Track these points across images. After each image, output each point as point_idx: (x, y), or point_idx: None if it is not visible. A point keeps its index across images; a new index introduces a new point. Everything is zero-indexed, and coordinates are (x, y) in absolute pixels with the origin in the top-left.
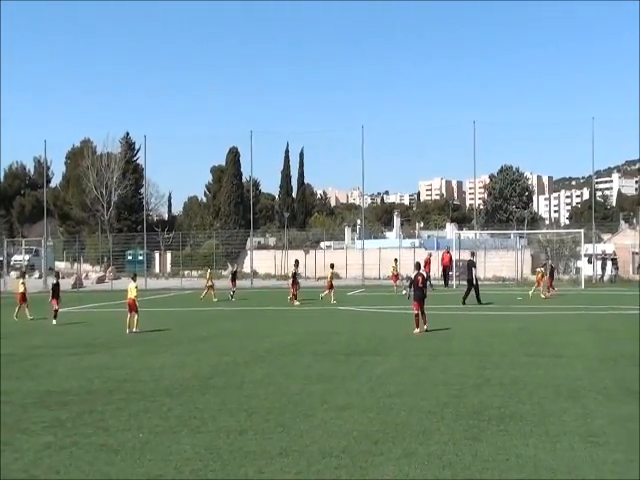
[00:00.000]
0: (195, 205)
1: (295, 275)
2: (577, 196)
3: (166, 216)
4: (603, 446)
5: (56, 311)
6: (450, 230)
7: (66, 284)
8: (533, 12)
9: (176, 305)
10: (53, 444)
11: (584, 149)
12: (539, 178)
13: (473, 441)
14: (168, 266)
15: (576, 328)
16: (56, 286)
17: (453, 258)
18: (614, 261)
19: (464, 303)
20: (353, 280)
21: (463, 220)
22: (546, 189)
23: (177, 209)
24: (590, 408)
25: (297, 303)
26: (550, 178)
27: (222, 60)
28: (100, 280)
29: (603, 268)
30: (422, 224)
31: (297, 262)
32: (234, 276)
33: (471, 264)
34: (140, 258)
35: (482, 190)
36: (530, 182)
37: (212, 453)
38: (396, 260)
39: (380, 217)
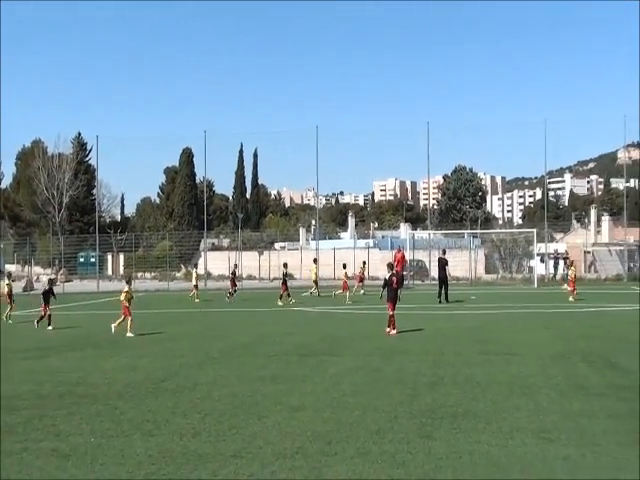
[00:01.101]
0: (148, 206)
1: (285, 276)
2: (530, 196)
3: (119, 217)
4: (555, 442)
5: (49, 316)
6: (404, 230)
7: (17, 287)
8: (459, 11)
9: (133, 307)
10: (2, 450)
11: (537, 150)
12: (492, 178)
13: (427, 439)
14: (121, 268)
15: (529, 326)
16: (47, 292)
17: (407, 257)
18: (566, 260)
19: (441, 301)
20: (307, 281)
21: (417, 220)
22: (499, 189)
23: (130, 210)
24: (542, 404)
25: (280, 303)
26: (503, 178)
27: (176, 58)
28: (51, 283)
29: (555, 267)
30: (376, 224)
31: (286, 264)
32: (234, 277)
33: (444, 262)
34: (92, 260)
35: (436, 190)
36: (483, 182)
37: (165, 456)
38: (364, 263)
39: (335, 218)
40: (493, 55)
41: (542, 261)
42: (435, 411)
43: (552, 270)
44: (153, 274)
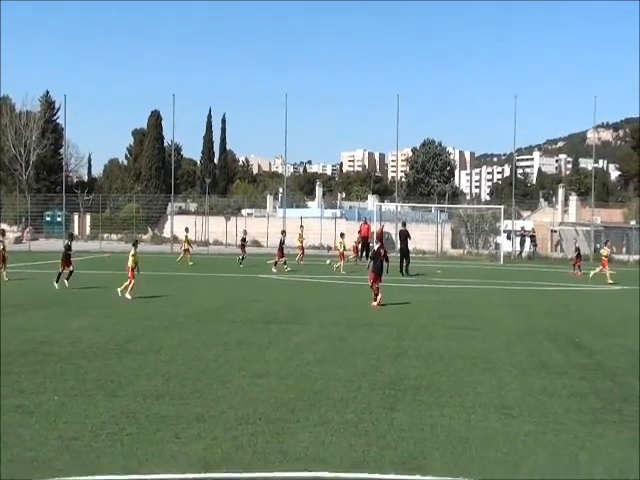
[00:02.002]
0: (116, 168)
1: (282, 243)
2: (498, 172)
3: (86, 178)
4: (517, 418)
5: (70, 272)
6: (371, 202)
7: None
8: None
9: (100, 268)
10: None
11: (506, 127)
12: (461, 153)
13: (389, 410)
14: (87, 228)
15: (494, 302)
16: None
17: (372, 229)
18: (533, 238)
19: (403, 274)
20: (274, 248)
21: (385, 192)
22: (468, 164)
23: (97, 171)
24: (505, 381)
25: (274, 270)
26: (472, 154)
27: (148, 19)
28: (17, 241)
29: (522, 244)
30: (344, 195)
31: (284, 232)
32: (243, 242)
33: (406, 234)
34: (59, 219)
35: (404, 163)
36: (452, 157)
37: (128, 417)
38: (343, 235)
39: (302, 186)
40: (465, 27)
41: (509, 238)
42: (398, 383)
43: (518, 247)
44: (119, 236)
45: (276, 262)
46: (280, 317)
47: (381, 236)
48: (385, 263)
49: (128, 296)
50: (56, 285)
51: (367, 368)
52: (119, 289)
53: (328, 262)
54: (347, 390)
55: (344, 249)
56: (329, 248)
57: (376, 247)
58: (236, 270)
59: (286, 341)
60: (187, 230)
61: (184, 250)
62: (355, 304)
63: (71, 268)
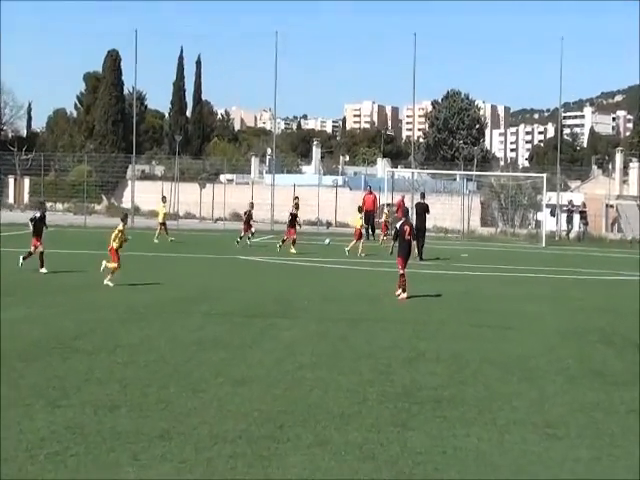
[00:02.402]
0: (62, 120)
1: (295, 217)
2: (540, 132)
3: (24, 132)
4: (562, 440)
5: (41, 254)
6: (382, 167)
7: None
8: None
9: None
10: None
11: (550, 76)
12: (493, 108)
13: (402, 428)
14: (25, 195)
15: (532, 294)
16: (39, 221)
17: (378, 201)
18: (583, 214)
19: (422, 258)
20: (260, 223)
21: (398, 155)
22: (502, 122)
23: (39, 124)
24: (548, 392)
25: (293, 251)
26: (507, 109)
27: None
28: None
29: (569, 222)
30: (347, 158)
31: (297, 200)
32: (249, 218)
33: (424, 207)
34: None
35: (423, 120)
36: (482, 113)
37: (74, 433)
38: (389, 205)
39: (296, 147)
40: None
41: (552, 214)
42: (413, 394)
43: (565, 226)
44: (66, 205)
45: (292, 240)
46: (267, 309)
47: (404, 209)
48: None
49: (110, 283)
50: (43, 270)
51: (375, 375)
52: (107, 279)
53: (327, 242)
54: (350, 402)
55: (387, 221)
56: (328, 224)
57: (399, 225)
58: (213, 250)
59: (274, 340)
60: (164, 200)
61: (160, 224)
62: (361, 295)
63: (41, 248)
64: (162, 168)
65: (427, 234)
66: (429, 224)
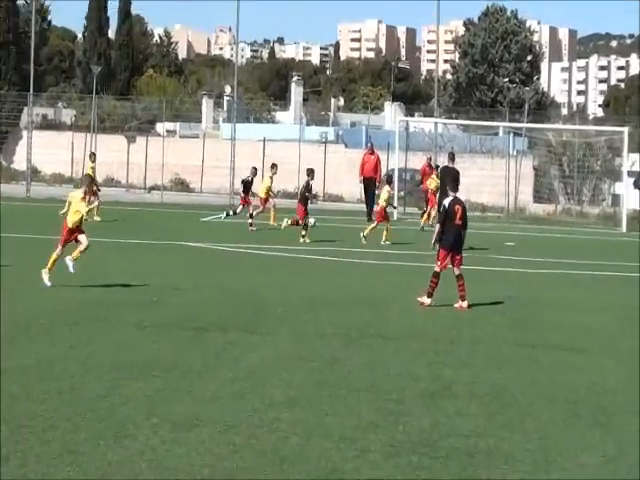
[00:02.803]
0: None
1: (309, 190)
2: (619, 68)
3: None
4: None
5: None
6: (391, 115)
7: None
8: None
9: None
10: None
11: None
12: (553, 32)
13: None
14: None
15: (604, 302)
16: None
17: (381, 164)
18: None
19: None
20: (215, 195)
21: (415, 98)
22: (565, 52)
23: None
24: (627, 443)
25: (305, 239)
26: (573, 34)
27: None
28: None
29: None
30: (342, 101)
31: (311, 171)
32: (248, 187)
33: (453, 174)
34: None
35: (451, 47)
36: (537, 38)
37: None
38: (437, 168)
39: (267, 84)
40: None
41: (637, 186)
42: (435, 444)
43: None
44: None
45: (303, 223)
46: (226, 319)
47: (452, 177)
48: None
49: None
50: None
51: (379, 416)
52: (68, 259)
53: (312, 222)
54: (343, 457)
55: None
56: (314, 197)
57: (447, 202)
58: (151, 233)
59: (234, 364)
60: (93, 158)
61: (92, 193)
62: (360, 299)
63: None
64: (72, 113)
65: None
66: (460, 197)
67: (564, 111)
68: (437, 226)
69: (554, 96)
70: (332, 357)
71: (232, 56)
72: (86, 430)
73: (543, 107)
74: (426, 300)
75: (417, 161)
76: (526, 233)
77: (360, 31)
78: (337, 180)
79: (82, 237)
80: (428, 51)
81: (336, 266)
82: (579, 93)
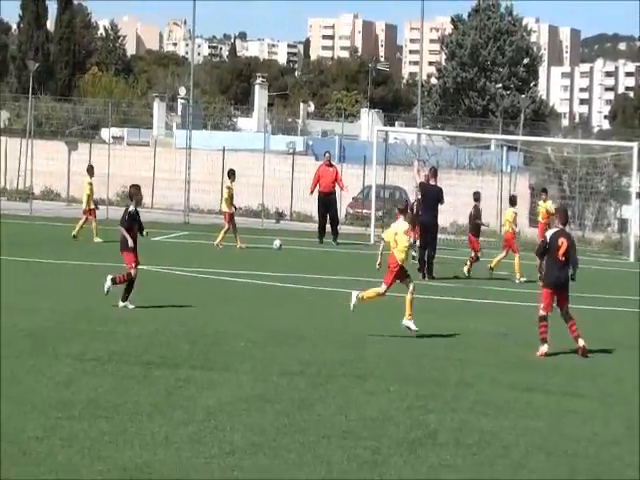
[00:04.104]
0: None
1: (479, 216)
2: (628, 74)
3: None
4: None
5: None
6: (368, 123)
7: None
8: None
9: None
10: None
11: None
12: (553, 32)
13: None
14: None
15: (608, 342)
16: None
17: (340, 177)
18: None
19: (426, 274)
20: (168, 211)
21: (395, 105)
22: (566, 56)
23: None
24: None
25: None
26: (575, 34)
27: None
28: None
29: None
30: (312, 107)
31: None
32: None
33: (434, 194)
34: None
35: (437, 47)
36: (534, 39)
37: None
38: (514, 207)
39: (228, 86)
40: None
41: None
42: None
43: None
44: None
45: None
46: (179, 354)
47: (562, 210)
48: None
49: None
50: None
51: (352, 466)
52: None
53: (277, 244)
54: None
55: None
56: (279, 215)
57: (550, 234)
58: (95, 256)
59: (189, 404)
60: (92, 172)
61: (88, 211)
62: (333, 333)
63: None
64: (6, 115)
65: (441, 237)
66: (446, 219)
67: (565, 122)
68: (537, 261)
69: (554, 105)
70: (300, 398)
71: (187, 53)
72: (21, 475)
73: (541, 117)
74: (543, 348)
75: (396, 177)
76: (524, 262)
77: (333, 27)
78: (306, 197)
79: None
80: (411, 51)
81: (305, 295)
82: (582, 102)
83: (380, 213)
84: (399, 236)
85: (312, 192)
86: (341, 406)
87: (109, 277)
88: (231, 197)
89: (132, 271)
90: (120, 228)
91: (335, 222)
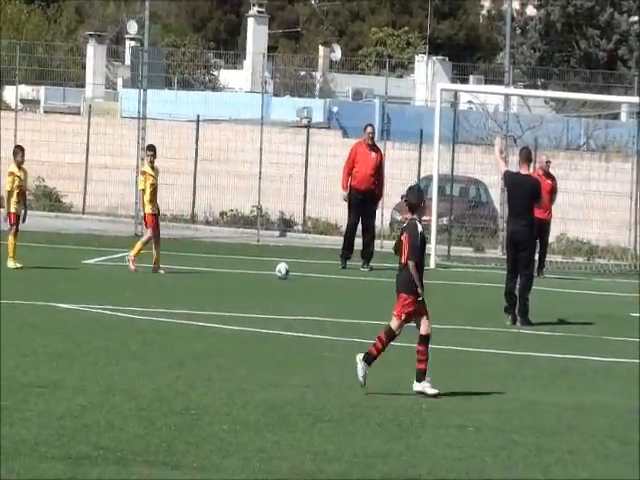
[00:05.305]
0: None
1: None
2: None
3: None
4: None
5: None
6: (426, 78)
7: None
8: None
9: None
10: None
11: None
12: None
13: None
14: None
15: None
16: None
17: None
18: None
19: (526, 320)
20: (109, 218)
21: (470, 50)
22: None
23: None
24: None
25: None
26: None
27: None
28: None
29: None
30: (338, 52)
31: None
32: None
33: (533, 188)
34: None
35: None
36: None
37: None
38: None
39: (205, 20)
40: None
41: None
42: None
43: None
44: None
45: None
46: (125, 441)
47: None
48: None
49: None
50: None
51: None
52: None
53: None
54: None
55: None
56: (287, 224)
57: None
58: None
59: None
60: (21, 154)
61: (12, 224)
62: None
63: None
64: None
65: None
66: (555, 230)
67: None
68: None
69: None
70: None
71: None
72: None
73: None
74: None
75: (471, 163)
76: None
77: None
78: (327, 195)
79: None
80: None
81: (329, 352)
82: None
83: (445, 220)
84: None
85: (345, 187)
86: None
87: None
88: (154, 190)
89: None
90: None
91: (371, 237)
